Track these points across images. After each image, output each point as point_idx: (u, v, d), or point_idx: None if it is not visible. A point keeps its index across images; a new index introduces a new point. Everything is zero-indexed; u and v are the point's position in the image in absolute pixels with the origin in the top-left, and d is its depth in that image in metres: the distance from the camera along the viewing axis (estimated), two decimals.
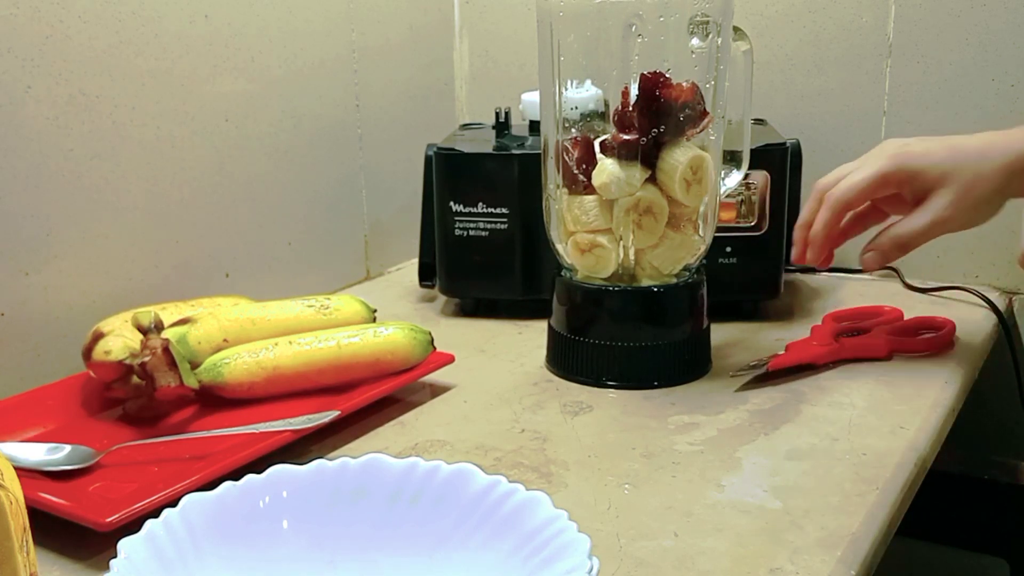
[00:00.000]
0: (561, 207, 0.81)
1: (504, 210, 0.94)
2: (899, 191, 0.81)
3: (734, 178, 0.86)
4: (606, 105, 0.79)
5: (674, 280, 0.81)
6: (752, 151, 0.86)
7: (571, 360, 0.82)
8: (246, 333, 0.77)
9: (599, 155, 0.78)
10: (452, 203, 0.95)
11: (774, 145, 0.91)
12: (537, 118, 0.90)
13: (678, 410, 0.76)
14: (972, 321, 0.93)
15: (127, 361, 0.71)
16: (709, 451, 0.69)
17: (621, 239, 0.79)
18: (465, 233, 0.95)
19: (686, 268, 0.82)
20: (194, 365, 0.74)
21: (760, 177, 0.90)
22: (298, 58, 1.01)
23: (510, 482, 0.55)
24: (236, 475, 0.57)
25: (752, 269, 0.93)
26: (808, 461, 0.67)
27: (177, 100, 0.88)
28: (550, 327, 0.85)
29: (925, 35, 1.02)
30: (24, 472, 0.60)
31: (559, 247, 0.83)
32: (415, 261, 1.04)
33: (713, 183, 0.80)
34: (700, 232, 0.81)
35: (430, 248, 1.00)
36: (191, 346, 0.74)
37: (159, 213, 0.88)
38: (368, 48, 1.10)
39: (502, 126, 0.99)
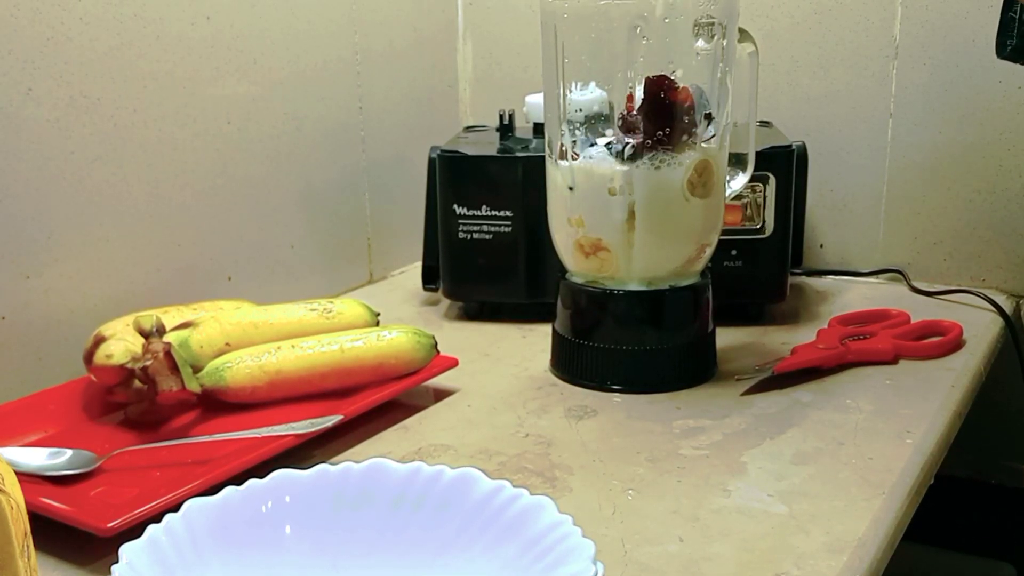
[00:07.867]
0: (565, 210, 0.81)
1: (508, 213, 0.93)
2: None
3: (739, 181, 0.85)
4: (610, 107, 0.79)
5: (679, 283, 0.81)
6: (758, 154, 0.85)
7: (575, 364, 0.82)
8: (248, 337, 0.77)
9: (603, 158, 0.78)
10: (456, 206, 0.94)
11: (780, 148, 0.91)
12: (541, 120, 0.89)
13: (683, 414, 0.75)
14: (979, 324, 0.92)
15: (129, 365, 0.71)
16: (714, 455, 0.69)
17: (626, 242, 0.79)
18: (469, 236, 0.95)
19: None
20: (196, 369, 0.73)
21: (766, 180, 0.90)
22: (301, 60, 1.00)
23: (514, 487, 0.55)
24: (238, 480, 0.57)
25: (758, 272, 0.93)
26: (814, 465, 0.67)
27: (179, 102, 0.88)
28: (554, 331, 0.85)
29: (932, 37, 1.01)
30: (25, 477, 0.60)
31: (563, 250, 0.83)
32: (418, 264, 1.04)
33: (718, 186, 0.80)
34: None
35: (434, 251, 0.99)
36: (193, 350, 0.74)
37: (161, 216, 0.88)
38: (371, 50, 1.09)
39: (506, 128, 0.99)
